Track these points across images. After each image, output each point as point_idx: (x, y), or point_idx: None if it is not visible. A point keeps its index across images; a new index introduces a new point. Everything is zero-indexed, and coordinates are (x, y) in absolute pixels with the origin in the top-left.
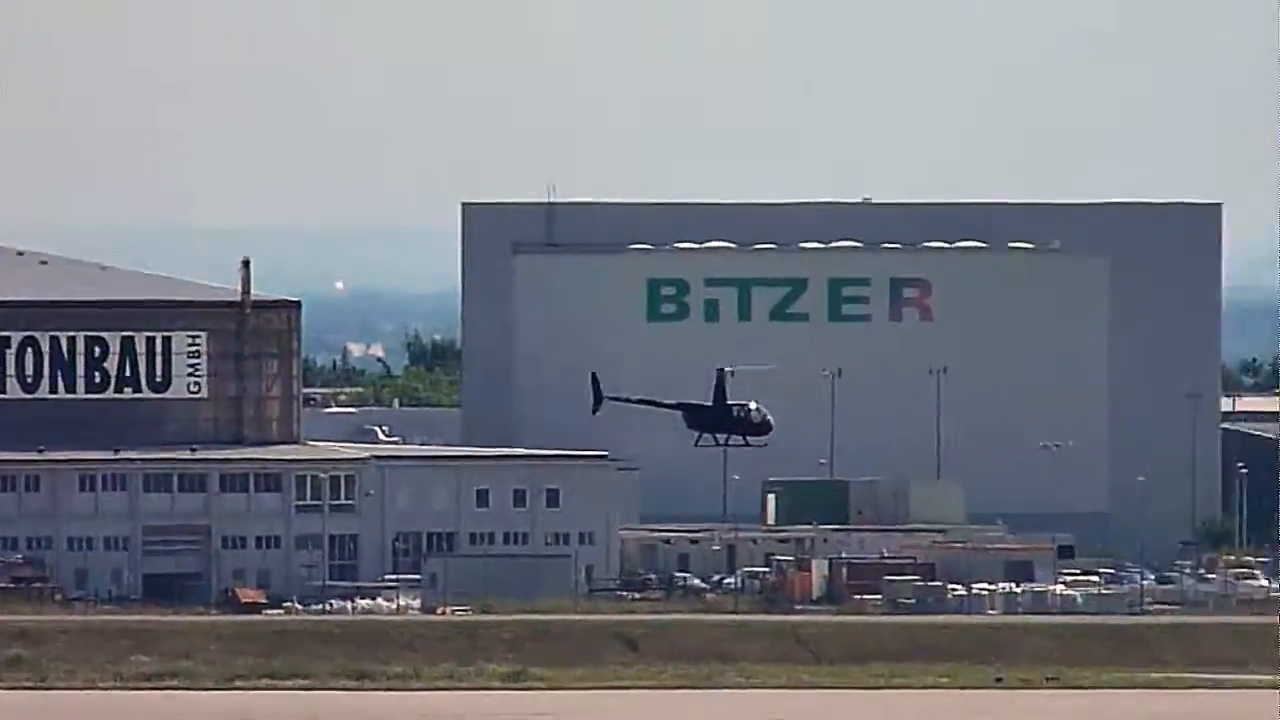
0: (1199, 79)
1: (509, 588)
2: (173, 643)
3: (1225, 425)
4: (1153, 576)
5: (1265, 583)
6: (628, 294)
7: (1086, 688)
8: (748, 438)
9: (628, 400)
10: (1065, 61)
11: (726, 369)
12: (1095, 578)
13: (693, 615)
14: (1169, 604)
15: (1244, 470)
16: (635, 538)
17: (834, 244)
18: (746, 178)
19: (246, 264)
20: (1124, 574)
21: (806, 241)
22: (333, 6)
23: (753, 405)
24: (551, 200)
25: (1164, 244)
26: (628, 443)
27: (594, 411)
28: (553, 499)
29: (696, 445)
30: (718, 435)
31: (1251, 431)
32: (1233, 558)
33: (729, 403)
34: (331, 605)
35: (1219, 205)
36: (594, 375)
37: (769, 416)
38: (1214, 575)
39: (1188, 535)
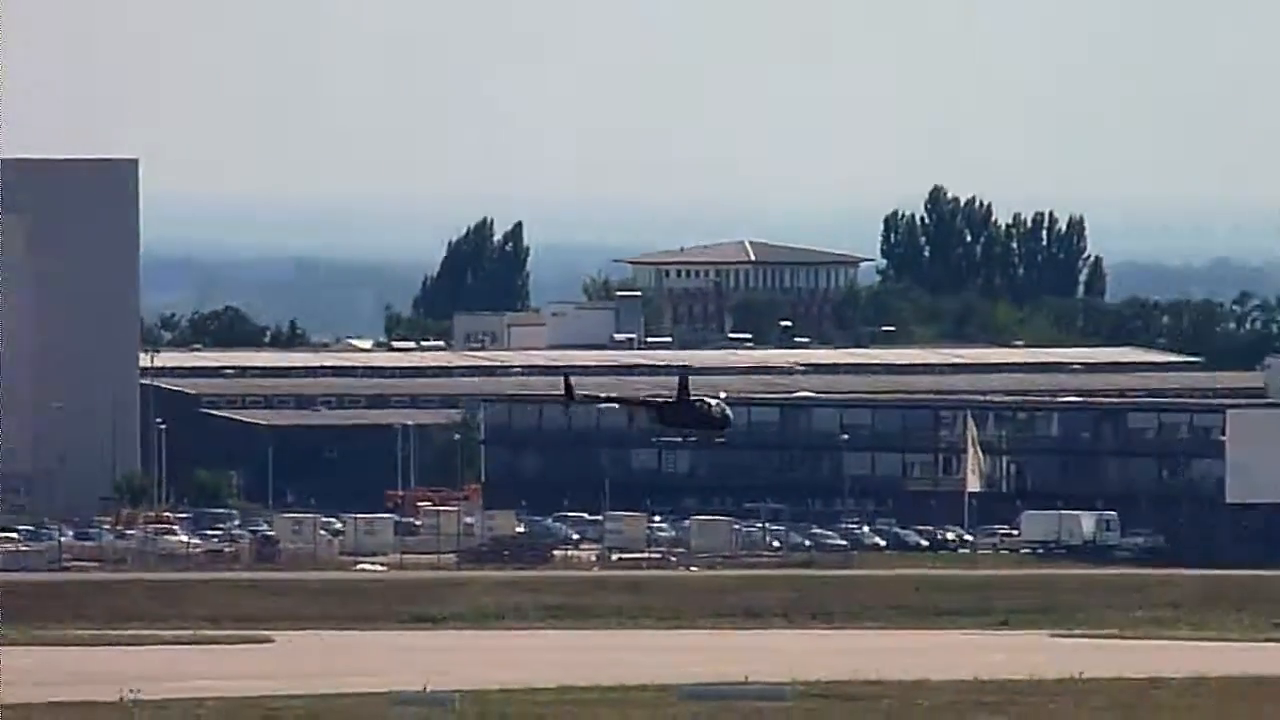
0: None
1: None
2: None
3: (144, 381)
4: (72, 533)
5: (185, 538)
6: None
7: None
8: (710, 432)
9: (598, 399)
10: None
11: (688, 368)
12: (15, 535)
13: None
14: (90, 560)
15: (163, 426)
16: None
17: None
18: None
19: None
20: (44, 531)
21: None
22: None
23: (713, 401)
24: None
25: (82, 199)
26: None
27: (565, 409)
28: None
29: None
30: (683, 430)
31: (170, 387)
32: (152, 514)
33: (692, 399)
34: None
35: (135, 161)
36: (566, 375)
37: (728, 411)
38: (134, 531)
39: (108, 491)
